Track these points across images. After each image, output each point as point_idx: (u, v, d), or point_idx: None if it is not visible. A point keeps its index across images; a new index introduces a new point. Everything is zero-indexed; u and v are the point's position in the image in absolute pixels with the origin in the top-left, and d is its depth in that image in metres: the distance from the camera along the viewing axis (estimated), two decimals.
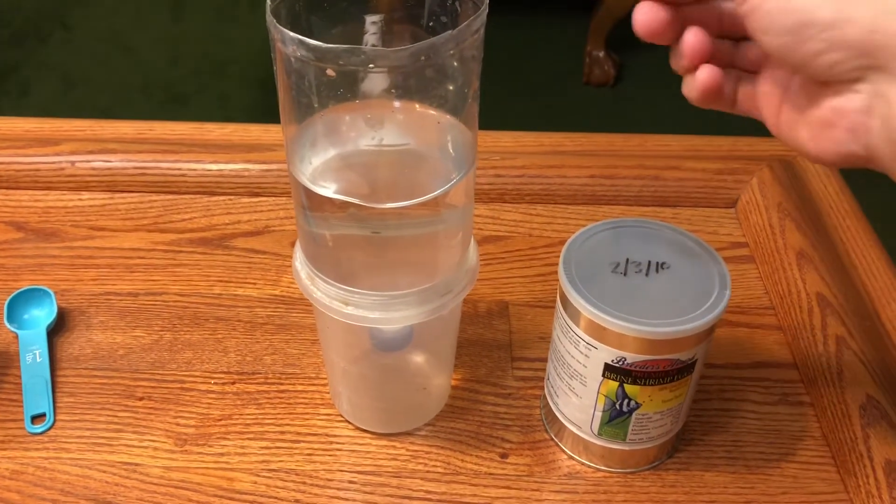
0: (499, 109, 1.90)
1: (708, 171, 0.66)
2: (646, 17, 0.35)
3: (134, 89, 1.96)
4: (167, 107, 1.90)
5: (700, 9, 0.36)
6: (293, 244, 0.61)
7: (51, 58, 2.04)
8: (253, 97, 1.93)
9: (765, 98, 0.37)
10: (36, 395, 0.50)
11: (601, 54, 1.98)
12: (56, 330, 0.54)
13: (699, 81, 0.36)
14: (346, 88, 0.36)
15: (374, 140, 0.40)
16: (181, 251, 0.60)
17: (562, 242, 0.62)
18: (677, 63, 0.37)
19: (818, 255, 0.59)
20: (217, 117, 1.84)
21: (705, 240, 0.46)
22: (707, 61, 0.36)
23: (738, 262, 0.61)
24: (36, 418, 0.49)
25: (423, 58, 0.34)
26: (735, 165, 0.67)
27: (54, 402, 0.50)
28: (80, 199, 0.64)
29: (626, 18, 1.98)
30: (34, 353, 0.52)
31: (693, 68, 0.36)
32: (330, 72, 0.34)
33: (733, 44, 0.37)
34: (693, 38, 0.35)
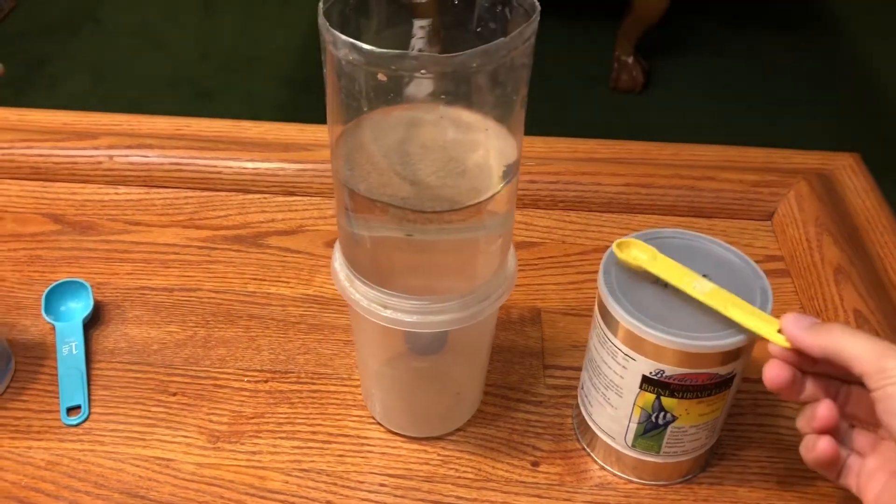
0: (526, 113, 1.89)
1: (745, 182, 0.66)
2: (772, 374, 0.39)
3: (162, 83, 1.97)
4: (195, 102, 1.91)
5: (824, 378, 0.40)
6: (327, 244, 0.61)
7: (81, 51, 2.06)
8: (280, 95, 1.93)
9: (869, 477, 0.39)
10: (72, 387, 0.50)
11: (630, 60, 1.97)
12: (91, 323, 0.55)
13: (819, 450, 0.39)
14: (395, 92, 0.36)
15: (420, 146, 0.40)
16: (216, 248, 0.61)
17: (596, 250, 0.62)
18: (803, 423, 0.40)
19: (856, 270, 0.58)
20: (244, 114, 1.85)
21: (741, 252, 0.45)
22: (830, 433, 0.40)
23: (774, 276, 0.61)
24: (71, 410, 0.49)
25: (474, 64, 0.34)
26: (771, 178, 0.66)
27: (89, 394, 0.50)
28: (117, 193, 0.65)
29: (656, 24, 1.98)
30: (70, 346, 0.52)
31: (815, 432, 0.40)
32: (381, 76, 0.34)
33: (848, 426, 0.41)
34: (826, 412, 0.39)
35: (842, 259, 0.59)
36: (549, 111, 1.93)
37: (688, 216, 0.65)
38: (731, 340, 0.40)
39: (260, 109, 1.89)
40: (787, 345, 0.39)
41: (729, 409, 0.46)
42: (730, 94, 1.99)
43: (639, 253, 0.44)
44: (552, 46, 2.11)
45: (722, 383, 0.42)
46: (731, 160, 0.69)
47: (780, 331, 0.40)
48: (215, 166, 0.65)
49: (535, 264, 0.61)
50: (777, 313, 0.58)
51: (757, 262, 0.62)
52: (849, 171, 0.68)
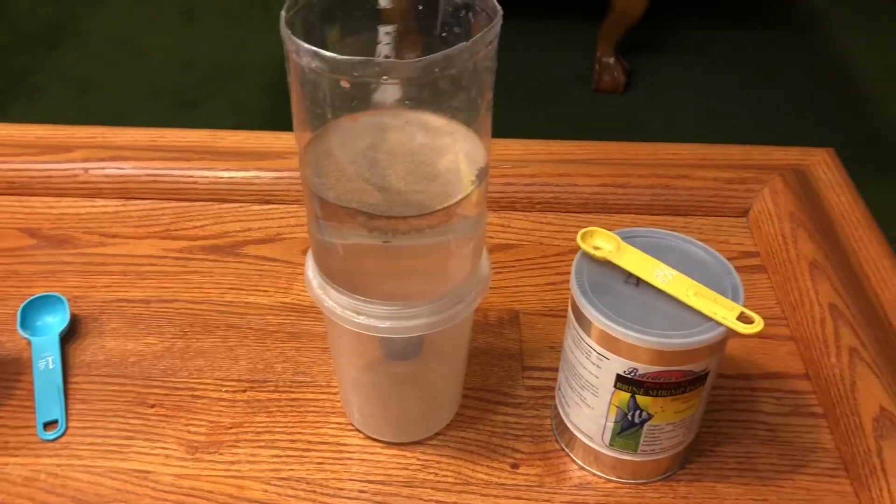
0: (508, 116, 1.89)
1: (719, 179, 0.66)
2: None
3: (145, 94, 1.97)
4: (178, 112, 1.91)
5: None
6: (304, 252, 0.61)
7: (62, 63, 2.06)
8: (264, 103, 1.93)
9: None
10: (48, 402, 0.50)
11: (611, 61, 1.98)
12: (69, 336, 0.54)
13: None
14: (359, 99, 0.36)
15: (388, 151, 0.40)
16: (193, 258, 0.61)
17: (573, 251, 0.62)
18: None
19: (831, 265, 0.58)
20: (228, 123, 1.85)
21: (716, 249, 0.46)
22: None
23: (750, 272, 0.61)
24: (48, 425, 0.49)
25: (437, 69, 0.34)
26: (747, 175, 0.66)
27: (67, 408, 0.50)
28: (93, 206, 0.64)
29: (636, 25, 1.99)
30: (47, 360, 0.52)
31: None
32: (344, 83, 0.34)
33: None
34: None
35: (817, 254, 0.59)
36: (531, 113, 1.94)
37: (664, 214, 0.65)
38: (702, 338, 0.41)
39: (244, 118, 1.89)
40: (746, 331, 0.40)
41: (706, 406, 0.47)
42: (712, 93, 2.00)
43: (602, 243, 0.44)
44: (534, 48, 2.12)
45: (696, 380, 0.43)
46: (708, 158, 0.70)
47: (740, 316, 0.40)
48: (191, 176, 0.65)
49: (513, 266, 0.61)
50: (754, 309, 0.59)
51: (733, 258, 0.62)
52: (823, 167, 0.69)
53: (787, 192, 0.64)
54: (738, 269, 0.61)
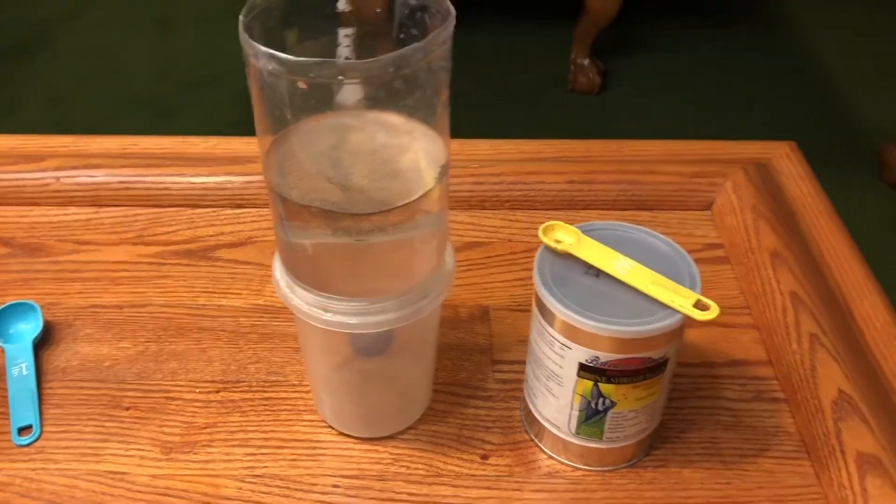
0: (484, 118, 1.91)
1: (683, 174, 0.67)
2: None
3: (121, 105, 1.97)
4: (155, 122, 1.91)
5: None
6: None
7: (37, 75, 2.05)
8: (240, 111, 1.92)
9: None
10: (22, 408, 0.50)
11: (586, 62, 1.99)
12: (42, 343, 0.55)
13: None
14: (318, 100, 0.37)
15: (349, 151, 0.41)
16: (165, 263, 0.61)
17: None
18: None
19: (792, 254, 0.60)
20: (205, 131, 1.84)
21: (681, 242, 0.47)
22: None
23: (714, 263, 0.63)
24: (23, 430, 0.50)
25: (392, 69, 0.35)
26: (710, 169, 0.68)
27: (41, 413, 0.51)
28: (66, 214, 0.65)
29: (610, 25, 2.00)
30: (20, 367, 0.52)
31: None
32: (301, 84, 0.35)
33: None
34: None
35: (778, 244, 0.60)
36: (507, 116, 1.95)
37: (630, 209, 0.67)
38: (660, 325, 0.42)
39: (222, 126, 1.89)
40: (702, 318, 0.41)
41: (668, 394, 0.48)
42: (685, 92, 2.02)
43: (563, 236, 0.45)
44: (509, 51, 2.14)
45: (655, 367, 0.44)
46: (673, 154, 0.71)
47: (696, 304, 0.41)
48: (163, 182, 0.65)
49: (483, 263, 0.62)
50: (717, 299, 0.60)
51: (698, 250, 0.64)
52: (785, 159, 0.70)
53: (749, 185, 0.66)
54: (702, 260, 0.63)
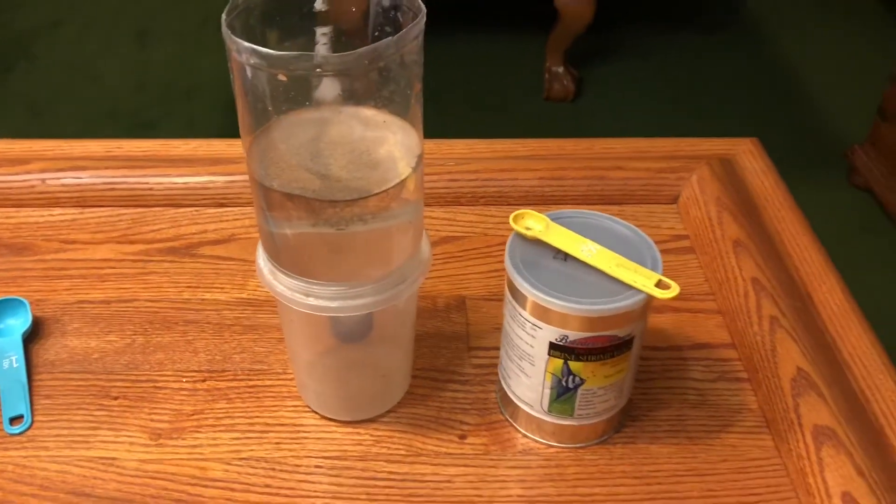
0: (461, 127, 1.94)
1: (651, 170, 0.70)
2: None
3: (101, 117, 1.98)
4: (134, 133, 1.92)
5: None
6: None
7: (16, 88, 2.06)
8: (219, 121, 1.95)
9: None
10: (13, 399, 0.52)
11: (560, 70, 2.03)
12: (32, 337, 0.56)
13: None
14: (297, 92, 0.39)
15: (329, 142, 0.43)
16: (150, 260, 0.63)
17: None
18: None
19: (753, 243, 0.63)
20: None
21: (649, 233, 0.49)
22: None
23: (680, 253, 0.65)
24: (14, 420, 0.51)
25: (366, 61, 0.37)
26: (676, 164, 0.71)
27: (31, 404, 0.52)
28: (52, 215, 0.67)
29: (583, 33, 2.04)
30: (10, 359, 0.54)
31: None
32: (281, 76, 0.37)
33: None
34: None
35: (740, 233, 0.63)
36: (484, 123, 1.99)
37: (599, 204, 0.69)
38: (625, 303, 0.44)
39: (201, 137, 1.91)
40: (663, 296, 0.44)
41: (636, 372, 0.50)
42: (658, 98, 2.06)
43: (533, 223, 0.48)
44: (485, 61, 2.17)
45: (622, 345, 0.46)
46: (641, 151, 0.74)
47: (658, 284, 0.44)
48: (147, 183, 0.67)
49: (460, 256, 0.65)
50: (684, 286, 0.63)
51: (665, 241, 0.67)
52: (748, 155, 0.73)
53: (713, 178, 0.69)
54: (669, 251, 0.66)
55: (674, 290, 0.45)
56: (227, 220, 0.66)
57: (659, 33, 2.29)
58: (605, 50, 2.21)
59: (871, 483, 0.47)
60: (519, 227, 0.48)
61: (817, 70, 2.16)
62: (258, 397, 0.53)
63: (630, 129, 1.93)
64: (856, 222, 1.74)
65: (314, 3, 0.42)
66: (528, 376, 0.49)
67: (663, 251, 0.48)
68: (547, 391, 0.48)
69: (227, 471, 0.49)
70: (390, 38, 0.37)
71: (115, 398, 0.53)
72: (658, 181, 0.70)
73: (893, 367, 0.54)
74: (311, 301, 0.45)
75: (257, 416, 0.52)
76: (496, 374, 0.54)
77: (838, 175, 1.83)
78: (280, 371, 0.55)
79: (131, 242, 0.64)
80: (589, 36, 2.01)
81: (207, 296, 0.60)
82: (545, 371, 0.47)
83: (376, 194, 0.42)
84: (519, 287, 0.46)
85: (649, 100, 2.05)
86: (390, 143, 0.44)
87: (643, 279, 0.45)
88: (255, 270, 0.62)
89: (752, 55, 2.22)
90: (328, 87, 0.39)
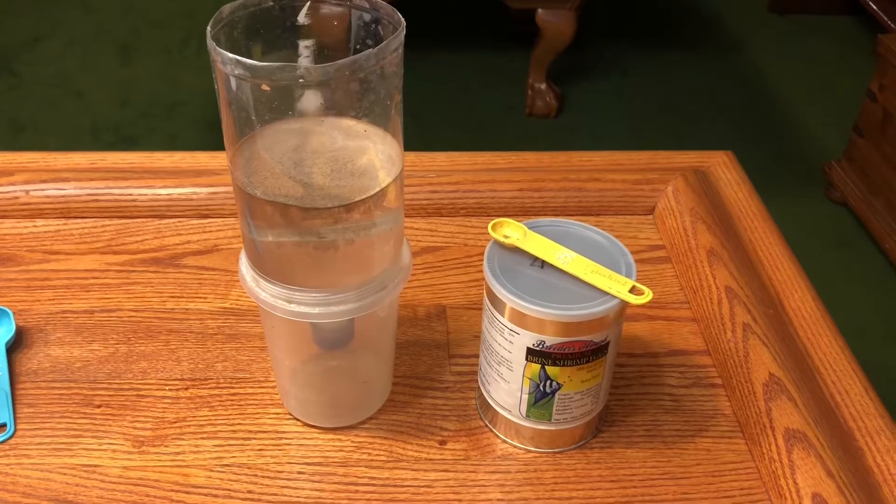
0: (444, 143, 1.96)
1: (627, 181, 0.72)
2: None
3: (84, 132, 1.98)
4: (117, 148, 1.92)
5: None
6: None
7: None
8: (202, 137, 1.96)
9: None
10: None
11: (543, 87, 2.06)
12: (15, 347, 0.57)
13: None
14: (280, 102, 0.40)
15: (311, 151, 0.44)
16: (134, 270, 0.64)
17: None
18: None
19: (727, 252, 0.64)
20: None
21: (625, 244, 0.50)
22: None
23: (656, 263, 0.67)
24: None
25: (347, 73, 0.38)
26: (652, 176, 0.72)
27: (14, 413, 0.53)
28: (35, 226, 0.67)
29: (565, 51, 2.07)
30: None
31: None
32: (264, 87, 0.38)
33: None
34: None
35: (714, 243, 0.65)
36: (467, 140, 2.01)
37: (577, 214, 0.71)
38: (599, 309, 0.45)
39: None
40: (637, 301, 0.45)
41: (612, 378, 0.51)
42: (639, 115, 2.09)
43: (511, 231, 0.49)
44: (469, 79, 2.19)
45: (598, 350, 0.47)
46: (618, 163, 0.76)
47: (632, 290, 0.45)
48: (130, 195, 0.68)
49: (440, 266, 0.66)
50: (659, 295, 0.64)
51: (641, 251, 0.68)
52: (723, 167, 0.75)
53: (688, 189, 0.70)
54: (645, 260, 0.67)
55: (647, 295, 0.46)
56: (210, 231, 0.67)
57: (639, 50, 2.33)
58: (587, 67, 2.24)
59: (841, 484, 0.48)
60: (497, 236, 0.49)
61: (795, 87, 2.20)
62: (240, 405, 0.54)
63: (610, 145, 1.96)
64: (832, 237, 1.76)
65: (297, 16, 0.43)
66: (506, 381, 0.50)
67: (639, 261, 0.49)
68: (525, 396, 0.49)
69: (209, 477, 0.50)
70: (371, 49, 0.38)
71: (98, 406, 0.53)
72: (635, 192, 0.71)
73: (863, 372, 0.56)
74: (293, 307, 0.46)
75: (240, 424, 0.53)
76: (476, 381, 0.55)
77: (816, 190, 1.86)
78: (262, 379, 0.56)
79: (115, 253, 0.65)
80: (571, 53, 2.04)
81: (190, 305, 0.61)
82: (523, 376, 0.48)
83: (358, 202, 0.43)
84: (497, 293, 0.47)
85: (629, 117, 2.08)
86: (371, 152, 0.45)
87: (617, 285, 0.46)
88: (237, 280, 0.63)
89: (730, 72, 2.26)
90: (310, 98, 0.40)
